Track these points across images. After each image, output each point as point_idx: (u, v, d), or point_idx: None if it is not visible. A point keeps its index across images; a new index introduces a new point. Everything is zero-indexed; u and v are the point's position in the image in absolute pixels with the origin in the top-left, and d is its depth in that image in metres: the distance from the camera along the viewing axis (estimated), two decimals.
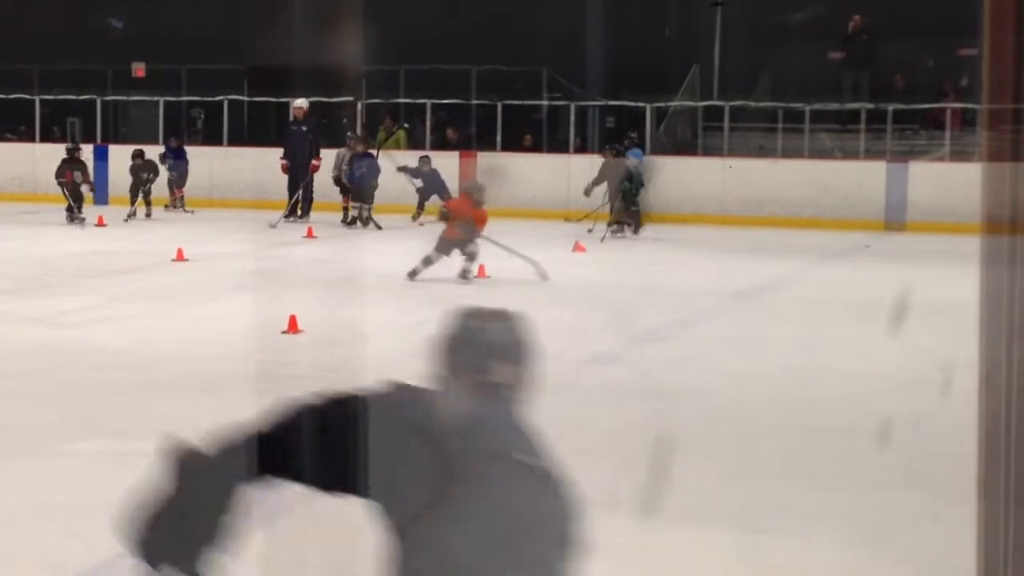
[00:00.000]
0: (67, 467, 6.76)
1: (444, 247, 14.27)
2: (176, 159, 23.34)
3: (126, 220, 21.50)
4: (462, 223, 14.21)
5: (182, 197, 23.17)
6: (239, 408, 8.19)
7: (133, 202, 22.11)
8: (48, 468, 6.74)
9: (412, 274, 14.01)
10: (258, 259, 16.51)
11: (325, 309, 11.73)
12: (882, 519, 6.04)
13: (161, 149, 23.41)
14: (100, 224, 20.07)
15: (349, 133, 22.50)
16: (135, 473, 6.72)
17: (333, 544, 5.70)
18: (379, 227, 20.44)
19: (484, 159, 23.11)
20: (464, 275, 14.14)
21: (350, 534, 5.82)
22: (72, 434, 7.41)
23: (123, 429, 7.57)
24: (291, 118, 22.14)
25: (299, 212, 21.20)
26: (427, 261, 14.15)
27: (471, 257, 14.30)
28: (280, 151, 22.01)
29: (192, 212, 22.50)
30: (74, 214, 20.10)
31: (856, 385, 9.25)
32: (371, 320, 11.41)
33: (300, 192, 21.32)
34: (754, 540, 5.80)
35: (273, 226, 19.45)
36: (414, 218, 21.59)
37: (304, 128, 21.43)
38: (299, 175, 21.39)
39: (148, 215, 21.93)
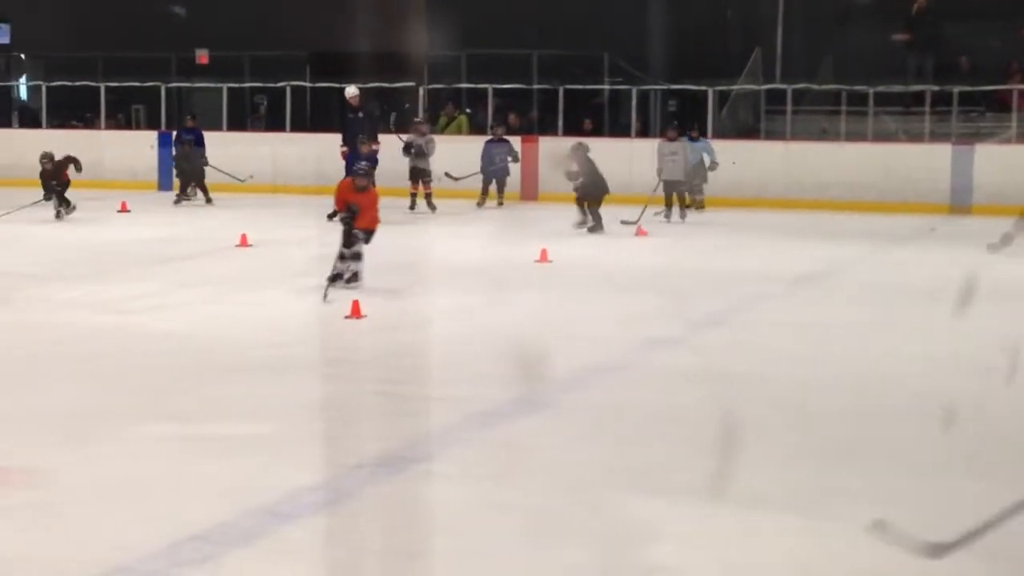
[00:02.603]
0: (134, 450, 6.83)
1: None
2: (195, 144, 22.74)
3: (176, 203, 21.67)
4: None
5: (193, 186, 22.59)
6: (304, 391, 8.34)
7: (183, 188, 22.26)
8: (115, 451, 6.82)
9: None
10: (321, 244, 16.57)
11: (387, 294, 11.80)
12: (945, 505, 6.00)
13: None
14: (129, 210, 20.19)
15: (416, 118, 22.52)
16: (200, 456, 6.85)
17: (395, 528, 5.74)
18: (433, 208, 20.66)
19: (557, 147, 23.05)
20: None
21: (414, 518, 5.86)
22: (138, 418, 7.49)
23: (188, 413, 7.65)
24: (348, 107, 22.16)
25: None
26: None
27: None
28: (339, 138, 22.06)
29: (210, 201, 22.12)
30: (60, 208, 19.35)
31: (919, 369, 9.18)
32: (434, 305, 11.47)
33: None
34: (815, 526, 5.78)
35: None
36: (479, 204, 21.71)
37: (360, 115, 21.47)
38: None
39: (177, 201, 22.03)
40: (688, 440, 7.14)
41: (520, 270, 13.89)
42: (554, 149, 21.59)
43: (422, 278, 12.72)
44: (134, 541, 5.37)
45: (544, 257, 14.41)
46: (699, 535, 5.60)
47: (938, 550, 5.10)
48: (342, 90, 22.22)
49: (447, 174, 21.62)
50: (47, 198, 18.73)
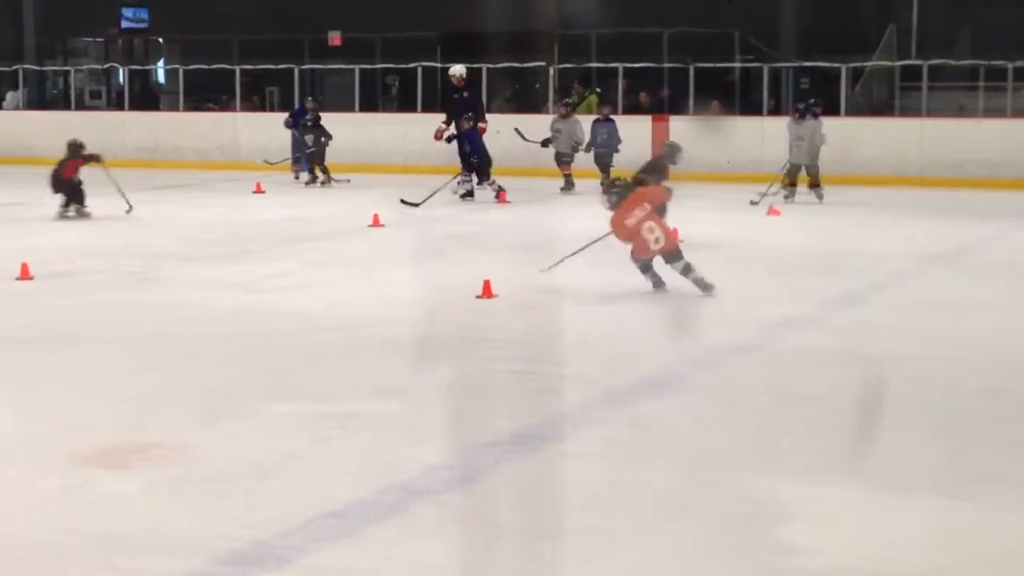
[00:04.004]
0: (270, 427, 6.95)
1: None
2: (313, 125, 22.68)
3: (307, 184, 21.86)
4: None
5: (311, 170, 22.47)
6: (437, 369, 8.40)
7: (309, 170, 22.46)
8: (252, 428, 6.94)
9: None
10: (452, 224, 16.69)
11: (519, 273, 11.84)
12: None
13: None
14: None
15: (565, 100, 22.49)
16: (334, 433, 6.94)
17: (528, 507, 5.77)
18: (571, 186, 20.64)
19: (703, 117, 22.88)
20: None
21: (547, 497, 5.89)
22: (275, 396, 7.61)
23: (324, 391, 7.76)
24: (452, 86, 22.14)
25: (478, 179, 21.21)
26: None
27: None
28: (438, 118, 22.13)
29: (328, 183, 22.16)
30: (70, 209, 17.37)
31: None
32: (565, 284, 11.49)
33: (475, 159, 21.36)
34: (956, 507, 5.71)
35: (455, 193, 19.59)
36: (601, 183, 21.60)
37: (465, 95, 21.48)
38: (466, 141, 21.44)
39: (324, 182, 22.15)
40: (822, 420, 7.09)
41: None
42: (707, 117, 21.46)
43: (553, 257, 12.72)
44: (271, 517, 5.47)
45: (676, 236, 14.31)
46: (834, 516, 5.56)
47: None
48: (473, 70, 22.28)
49: (516, 130, 21.48)
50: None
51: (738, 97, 26.19)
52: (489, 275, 10.98)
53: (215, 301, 10.79)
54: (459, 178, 19.58)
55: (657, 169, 14.39)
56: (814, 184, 19.31)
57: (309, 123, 22.40)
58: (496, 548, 5.19)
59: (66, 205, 16.72)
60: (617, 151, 21.24)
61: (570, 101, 22.06)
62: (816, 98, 21.77)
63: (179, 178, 23.30)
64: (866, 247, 14.20)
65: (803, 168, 19.21)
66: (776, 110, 24.76)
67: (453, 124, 20.04)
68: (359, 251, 13.98)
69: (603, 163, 21.42)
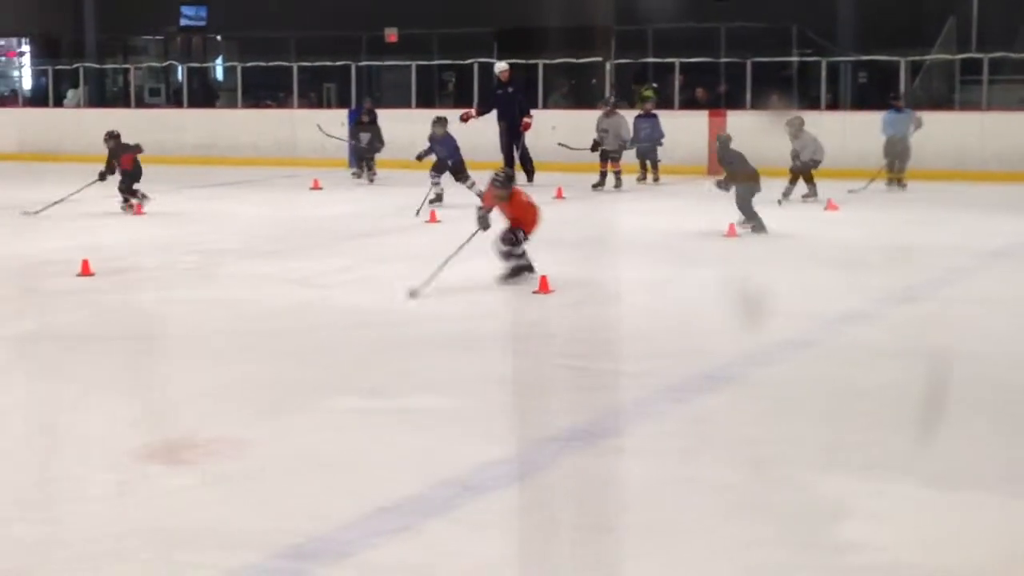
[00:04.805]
0: (329, 422, 6.99)
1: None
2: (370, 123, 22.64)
3: (354, 176, 21.87)
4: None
5: (359, 166, 22.52)
6: (494, 365, 8.43)
7: (357, 165, 22.44)
8: (311, 423, 6.98)
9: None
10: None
11: (575, 268, 11.84)
12: None
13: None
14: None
15: (610, 97, 22.42)
16: (391, 428, 6.96)
17: (585, 502, 5.77)
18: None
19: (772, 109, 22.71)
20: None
21: (605, 493, 5.89)
22: (333, 390, 7.65)
23: (381, 386, 7.79)
24: (497, 82, 22.12)
25: (525, 176, 21.16)
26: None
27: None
28: (460, 108, 22.13)
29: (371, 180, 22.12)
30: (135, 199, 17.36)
31: None
32: (622, 279, 11.47)
33: (518, 155, 21.36)
34: (1016, 504, 5.67)
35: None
36: (639, 179, 21.49)
37: (510, 90, 21.47)
38: (512, 138, 21.44)
39: (357, 175, 22.17)
40: (880, 417, 7.05)
41: (707, 244, 13.81)
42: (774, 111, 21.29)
43: (609, 253, 12.73)
44: (331, 511, 5.50)
45: (731, 231, 14.29)
46: (893, 512, 5.53)
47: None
48: (530, 66, 22.27)
49: (562, 144, 21.43)
50: (102, 178, 17.09)
51: (796, 92, 26.03)
52: (546, 271, 10.98)
53: (273, 297, 10.85)
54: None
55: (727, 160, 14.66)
56: (898, 178, 19.28)
57: (365, 119, 22.46)
58: (554, 544, 5.19)
59: (129, 196, 16.89)
60: (660, 144, 21.21)
61: (611, 99, 21.97)
62: (873, 91, 21.67)
63: (237, 175, 23.44)
64: (926, 242, 14.08)
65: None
66: (834, 105, 24.60)
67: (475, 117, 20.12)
68: (416, 246, 13.99)
69: (649, 158, 21.38)
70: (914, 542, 5.20)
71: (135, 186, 16.95)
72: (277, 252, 13.61)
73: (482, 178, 20.73)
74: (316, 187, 20.95)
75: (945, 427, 6.73)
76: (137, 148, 17.01)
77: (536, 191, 19.31)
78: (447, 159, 17.86)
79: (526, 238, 11.44)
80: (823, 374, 8.11)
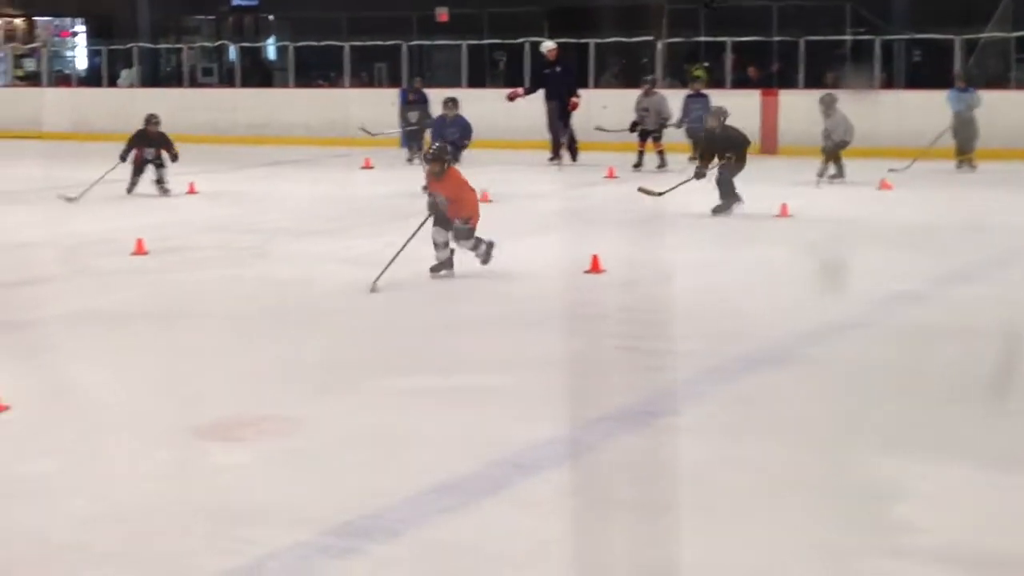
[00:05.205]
0: (381, 401, 7.00)
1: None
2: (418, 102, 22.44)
3: (408, 162, 21.81)
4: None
5: (410, 147, 22.21)
6: (546, 344, 8.41)
7: (408, 147, 22.24)
8: (363, 402, 7.00)
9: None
10: (559, 199, 16.67)
11: (627, 248, 11.81)
12: None
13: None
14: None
15: (649, 77, 22.30)
16: (444, 407, 6.97)
17: (637, 481, 5.77)
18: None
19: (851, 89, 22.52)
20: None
21: (657, 472, 5.88)
22: (385, 370, 7.67)
23: (433, 365, 7.80)
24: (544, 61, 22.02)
25: (569, 156, 21.08)
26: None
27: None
28: (510, 88, 22.06)
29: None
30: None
31: None
32: (673, 259, 11.44)
33: (566, 135, 21.28)
34: None
35: (556, 165, 19.51)
36: (691, 158, 21.31)
37: (558, 69, 21.39)
38: (559, 118, 21.36)
39: (411, 159, 22.02)
40: (936, 398, 6.99)
41: (760, 224, 13.74)
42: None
43: (661, 232, 12.69)
44: (383, 489, 5.51)
45: (784, 211, 14.21)
46: (947, 494, 5.49)
47: None
48: (581, 45, 22.18)
49: (599, 127, 21.30)
50: (123, 158, 16.70)
51: (849, 71, 25.82)
52: (597, 250, 10.96)
53: (326, 276, 10.88)
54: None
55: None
56: (968, 159, 19.15)
57: (412, 98, 22.42)
58: (606, 523, 5.19)
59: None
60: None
61: (651, 78, 21.85)
62: (928, 71, 21.47)
63: (289, 154, 23.52)
64: (982, 222, 13.94)
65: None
66: (889, 83, 24.40)
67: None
68: None
69: (696, 137, 21.25)
70: (970, 525, 5.16)
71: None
72: (329, 231, 13.65)
73: (528, 157, 20.75)
74: (368, 166, 20.99)
75: (1001, 408, 6.68)
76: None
77: (586, 171, 19.35)
78: (461, 140, 17.70)
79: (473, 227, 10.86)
80: (879, 354, 8.06)
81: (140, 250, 11.90)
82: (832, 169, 17.84)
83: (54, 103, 28.17)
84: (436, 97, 22.56)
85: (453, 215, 10.75)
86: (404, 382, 7.39)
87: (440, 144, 10.96)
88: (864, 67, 23.88)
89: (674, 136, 21.02)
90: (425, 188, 11.52)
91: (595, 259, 10.78)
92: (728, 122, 15.08)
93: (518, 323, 9.02)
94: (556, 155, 20.88)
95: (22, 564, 4.81)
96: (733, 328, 8.77)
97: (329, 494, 5.49)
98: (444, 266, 10.78)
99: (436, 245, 10.77)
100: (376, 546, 4.94)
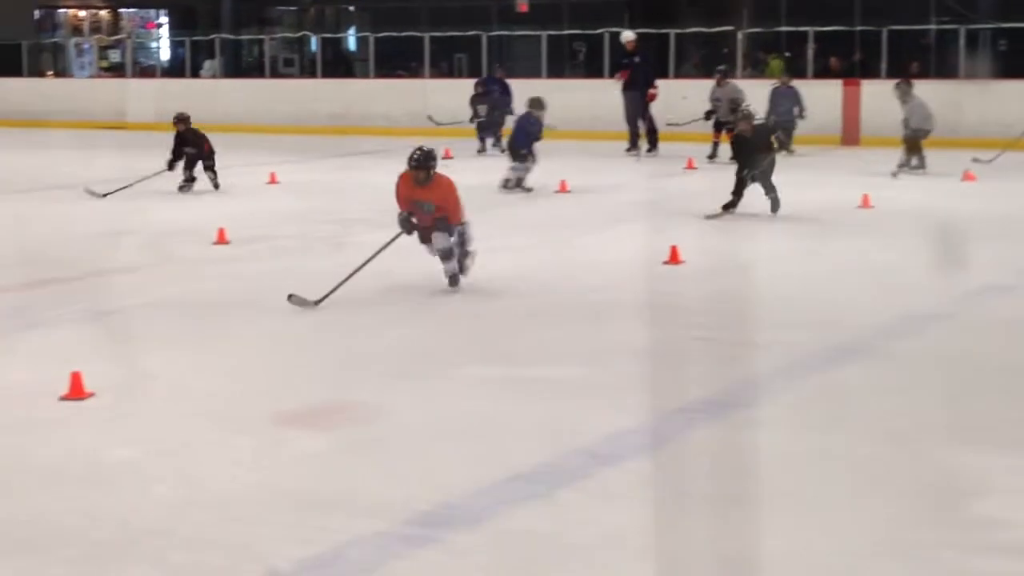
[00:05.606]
0: (461, 390, 7.03)
1: None
2: (500, 94, 22.58)
3: (478, 152, 21.81)
4: None
5: (481, 139, 22.24)
6: (624, 335, 8.40)
7: (480, 137, 22.16)
8: (443, 391, 7.03)
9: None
10: (637, 190, 16.64)
11: (705, 240, 11.76)
12: None
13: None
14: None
15: (721, 67, 22.13)
16: (522, 397, 6.98)
17: (715, 474, 5.75)
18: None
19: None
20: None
21: (736, 464, 5.86)
22: (465, 359, 7.70)
23: (512, 355, 7.82)
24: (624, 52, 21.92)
25: (647, 146, 20.99)
26: None
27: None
28: (614, 85, 21.96)
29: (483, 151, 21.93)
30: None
31: None
32: (752, 250, 11.38)
33: (644, 126, 21.19)
34: None
35: (635, 156, 19.48)
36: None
37: (636, 60, 21.30)
38: (637, 109, 21.27)
39: (481, 150, 21.95)
40: (1020, 392, 6.91)
41: (841, 215, 13.63)
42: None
43: (741, 223, 12.62)
44: (461, 479, 5.54)
45: (866, 202, 14.09)
46: None
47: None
48: (662, 35, 22.06)
49: (670, 123, 21.20)
50: (171, 167, 16.26)
51: (933, 61, 25.55)
52: (676, 241, 10.93)
53: (405, 266, 10.92)
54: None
55: None
56: None
57: (478, 90, 22.36)
58: (684, 515, 5.18)
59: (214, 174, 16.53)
60: (802, 118, 20.81)
61: (723, 68, 21.70)
62: (1016, 59, 21.14)
63: (369, 145, 23.62)
64: None
65: None
66: (973, 74, 24.08)
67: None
68: (546, 217, 14.02)
69: (785, 130, 21.05)
70: None
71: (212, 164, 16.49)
72: None
73: (607, 148, 20.71)
74: (447, 156, 20.99)
75: None
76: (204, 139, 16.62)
77: (666, 162, 19.29)
78: (506, 108, 17.53)
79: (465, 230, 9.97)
80: (961, 347, 7.98)
81: (222, 239, 12.02)
82: (914, 160, 17.65)
83: (138, 94, 28.51)
84: (517, 88, 22.66)
85: (433, 223, 9.73)
86: (484, 371, 7.41)
87: (425, 149, 9.76)
88: (982, 55, 23.59)
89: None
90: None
91: (674, 250, 10.75)
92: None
93: (597, 314, 9.01)
94: (634, 146, 20.83)
95: (109, 548, 4.88)
96: (814, 320, 8.71)
97: (408, 483, 5.52)
98: (455, 280, 9.81)
99: (443, 256, 9.79)
100: (454, 535, 4.97)
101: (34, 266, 11.09)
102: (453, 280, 9.81)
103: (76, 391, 6.82)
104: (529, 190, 15.99)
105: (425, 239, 9.87)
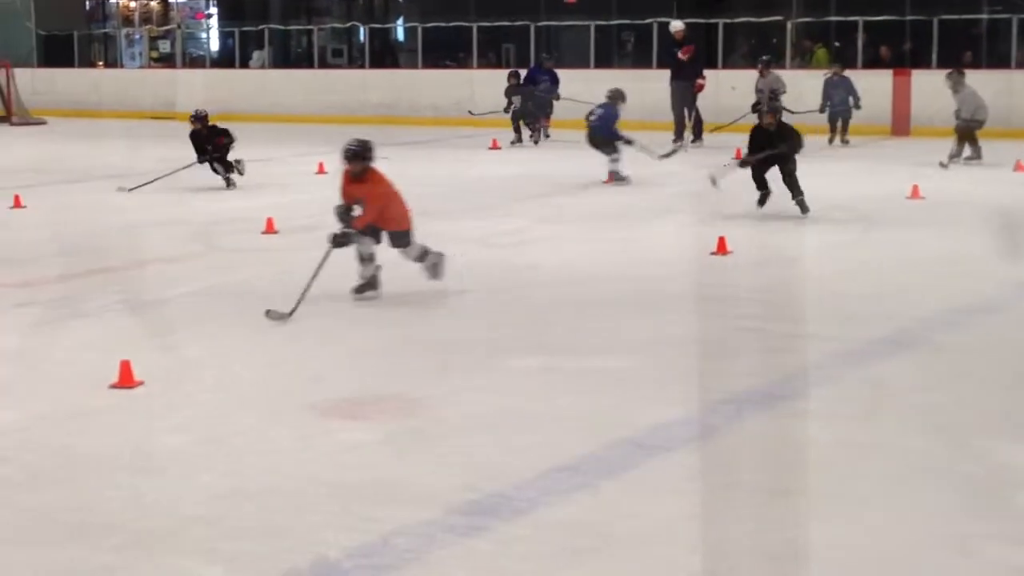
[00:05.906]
0: (505, 381, 7.03)
1: None
2: (549, 82, 22.60)
3: (512, 144, 21.69)
4: None
5: (542, 128, 22.24)
6: (671, 326, 8.38)
7: (515, 128, 22.01)
8: (487, 382, 7.03)
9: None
10: (685, 181, 16.57)
11: (753, 231, 11.72)
12: None
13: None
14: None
15: (764, 57, 22.00)
16: (568, 387, 6.98)
17: (762, 465, 5.73)
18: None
19: None
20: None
21: (783, 456, 5.83)
22: (509, 350, 7.70)
23: (557, 346, 7.81)
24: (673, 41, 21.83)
25: (692, 137, 20.93)
26: None
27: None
28: (665, 75, 21.89)
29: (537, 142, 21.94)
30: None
31: None
32: (800, 241, 11.33)
33: (691, 117, 21.12)
34: None
35: (680, 147, 19.40)
36: (829, 141, 20.99)
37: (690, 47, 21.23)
38: (685, 99, 21.19)
39: (516, 141, 21.80)
40: None
41: (890, 206, 13.54)
42: None
43: (789, 214, 12.56)
44: (507, 469, 5.54)
45: (916, 193, 14.00)
46: None
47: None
48: (710, 26, 21.93)
49: (711, 128, 21.10)
50: (200, 161, 15.98)
51: (985, 51, 25.31)
52: (723, 232, 10.89)
53: (451, 256, 10.93)
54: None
55: None
56: None
57: (512, 81, 22.26)
58: (730, 506, 5.16)
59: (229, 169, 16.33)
60: (858, 107, 20.66)
61: (766, 59, 21.57)
62: None
63: (418, 134, 23.65)
64: None
65: None
66: None
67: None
68: (593, 207, 14.01)
69: (843, 120, 20.91)
70: None
71: (231, 158, 16.05)
72: (455, 212, 13.70)
73: (654, 138, 20.66)
74: (495, 147, 21.05)
75: None
76: (226, 133, 16.40)
77: (713, 153, 19.19)
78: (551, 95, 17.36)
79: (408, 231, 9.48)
80: (1011, 340, 7.92)
81: (270, 229, 12.08)
82: (968, 151, 17.49)
83: (187, 84, 28.65)
84: (565, 77, 22.63)
85: (364, 223, 9.18)
86: (530, 362, 7.41)
87: (361, 140, 9.14)
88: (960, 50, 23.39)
89: (814, 119, 20.62)
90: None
91: (721, 240, 10.72)
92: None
93: (644, 304, 9.00)
94: (679, 136, 20.77)
95: (156, 536, 4.92)
96: (862, 311, 8.66)
97: (453, 473, 5.53)
98: (369, 286, 9.23)
99: (361, 259, 9.23)
100: (500, 525, 4.97)
101: (83, 255, 11.18)
102: (434, 271, 9.36)
103: (126, 379, 6.87)
104: (624, 179, 15.91)
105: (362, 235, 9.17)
